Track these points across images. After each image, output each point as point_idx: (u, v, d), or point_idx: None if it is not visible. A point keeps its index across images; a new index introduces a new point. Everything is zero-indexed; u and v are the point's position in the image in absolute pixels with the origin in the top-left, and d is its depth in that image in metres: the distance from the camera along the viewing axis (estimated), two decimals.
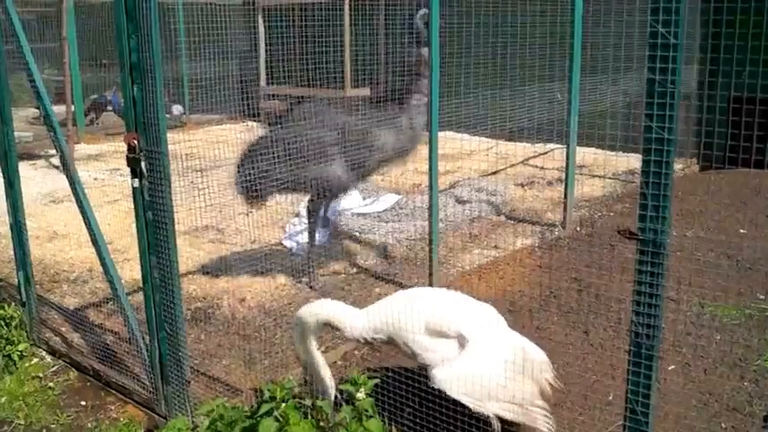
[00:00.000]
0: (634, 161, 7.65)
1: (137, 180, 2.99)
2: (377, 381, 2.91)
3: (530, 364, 2.80)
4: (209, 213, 6.03)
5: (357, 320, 3.08)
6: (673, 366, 3.57)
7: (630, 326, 1.86)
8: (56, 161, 8.91)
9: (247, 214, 6.08)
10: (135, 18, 2.81)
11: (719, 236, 5.33)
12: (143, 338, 3.39)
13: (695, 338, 3.83)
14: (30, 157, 9.62)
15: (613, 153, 8.00)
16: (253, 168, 4.55)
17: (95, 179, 8.36)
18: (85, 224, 3.62)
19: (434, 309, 2.98)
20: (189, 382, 3.20)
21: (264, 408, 2.73)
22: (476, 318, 2.98)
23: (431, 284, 4.53)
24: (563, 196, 6.00)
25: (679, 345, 3.75)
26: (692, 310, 4.15)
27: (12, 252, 4.30)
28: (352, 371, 3.51)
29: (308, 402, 2.84)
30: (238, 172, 4.72)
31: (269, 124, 5.00)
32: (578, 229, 5.97)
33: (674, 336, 3.80)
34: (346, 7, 10.32)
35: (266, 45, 11.07)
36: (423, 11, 4.45)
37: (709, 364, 3.61)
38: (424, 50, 4.47)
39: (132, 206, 3.10)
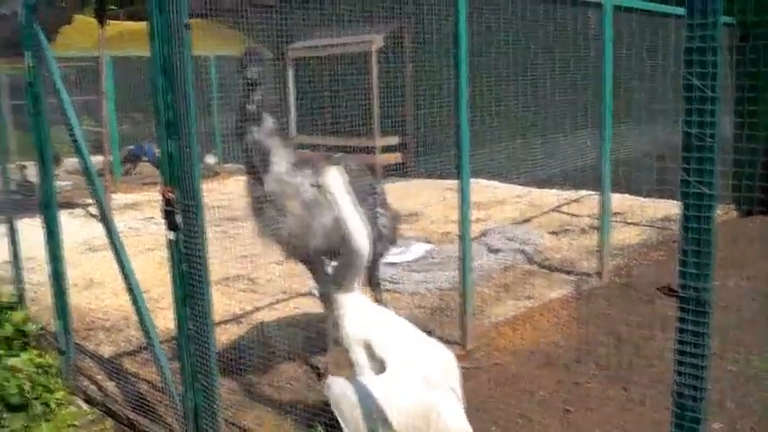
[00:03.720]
0: (670, 207, 7.55)
1: (172, 232, 3.02)
2: None
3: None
4: (240, 263, 6.10)
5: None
6: (718, 424, 3.45)
7: (673, 386, 1.78)
8: (93, 210, 9.08)
9: (279, 263, 6.09)
10: (171, 75, 2.87)
11: (762, 285, 5.19)
12: (176, 389, 3.38)
13: (740, 394, 3.70)
14: (68, 205, 9.81)
15: (648, 199, 7.93)
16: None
17: (130, 228, 8.49)
18: (122, 273, 3.66)
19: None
20: None
21: None
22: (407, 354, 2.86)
23: (464, 336, 4.47)
24: (598, 244, 5.91)
25: (723, 401, 3.62)
26: (735, 365, 4.02)
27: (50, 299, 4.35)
28: None
29: None
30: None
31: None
32: (615, 278, 5.87)
33: (718, 391, 3.67)
34: (373, 58, 10.50)
35: (296, 96, 11.27)
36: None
37: (755, 421, 3.47)
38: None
39: (166, 255, 3.14)
